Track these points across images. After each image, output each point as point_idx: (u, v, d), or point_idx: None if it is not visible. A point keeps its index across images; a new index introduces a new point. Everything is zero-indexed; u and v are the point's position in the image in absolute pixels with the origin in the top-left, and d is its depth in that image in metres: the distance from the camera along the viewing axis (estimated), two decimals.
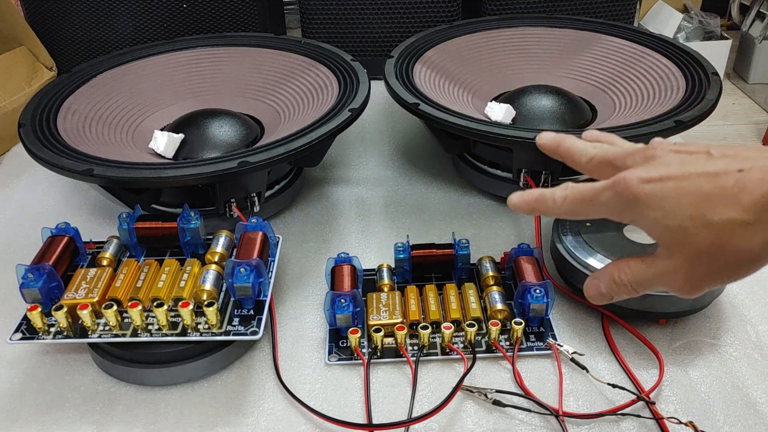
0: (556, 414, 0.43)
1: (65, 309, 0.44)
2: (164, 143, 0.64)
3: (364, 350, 0.48)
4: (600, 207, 0.33)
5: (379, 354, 0.48)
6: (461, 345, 0.48)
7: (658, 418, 0.43)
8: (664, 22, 1.94)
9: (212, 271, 0.48)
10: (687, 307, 0.48)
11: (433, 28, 0.80)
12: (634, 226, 0.33)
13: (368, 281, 0.54)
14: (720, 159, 0.30)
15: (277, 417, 0.44)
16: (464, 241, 0.53)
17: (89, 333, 0.45)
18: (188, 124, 0.67)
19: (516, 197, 0.36)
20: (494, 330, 0.47)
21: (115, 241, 0.53)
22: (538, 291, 0.48)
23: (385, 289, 0.52)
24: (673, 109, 0.61)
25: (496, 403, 0.44)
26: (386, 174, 0.72)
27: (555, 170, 0.61)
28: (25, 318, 0.46)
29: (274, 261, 0.51)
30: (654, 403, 0.44)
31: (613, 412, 0.43)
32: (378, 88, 0.68)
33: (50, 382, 0.47)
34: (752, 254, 0.29)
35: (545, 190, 0.36)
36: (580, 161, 0.36)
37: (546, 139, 0.39)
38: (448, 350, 0.48)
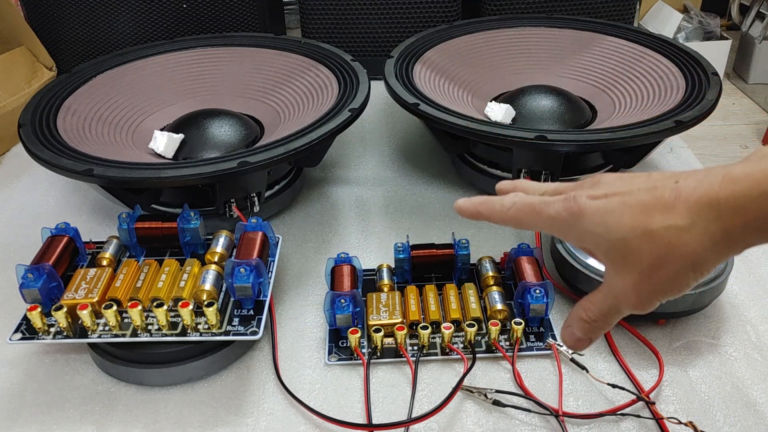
0: (556, 414, 0.43)
1: (65, 309, 0.44)
2: (164, 143, 0.64)
3: (364, 350, 0.48)
4: (547, 220, 0.33)
5: (379, 354, 0.48)
6: (461, 345, 0.48)
7: (658, 418, 0.43)
8: (664, 22, 1.94)
9: (212, 271, 0.48)
10: (687, 307, 0.48)
11: (433, 28, 0.80)
12: (580, 246, 0.33)
13: (368, 281, 0.54)
14: (659, 176, 0.31)
15: (277, 417, 0.44)
16: (464, 241, 0.53)
17: (89, 333, 0.45)
18: (188, 124, 0.67)
19: (462, 200, 0.36)
20: (494, 330, 0.47)
21: (114, 241, 0.53)
22: (537, 291, 0.48)
23: (385, 290, 0.52)
24: (673, 109, 0.61)
25: (496, 403, 0.44)
26: (386, 174, 0.72)
27: (555, 170, 0.61)
28: (25, 318, 0.46)
29: (274, 261, 0.51)
30: (654, 403, 0.44)
31: (613, 412, 0.43)
32: (378, 88, 0.68)
33: (50, 382, 0.47)
34: (694, 257, 0.29)
35: (492, 196, 0.36)
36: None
37: (504, 185, 0.38)
38: (447, 350, 0.48)
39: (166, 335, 0.45)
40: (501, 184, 0.38)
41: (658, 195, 0.30)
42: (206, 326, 0.45)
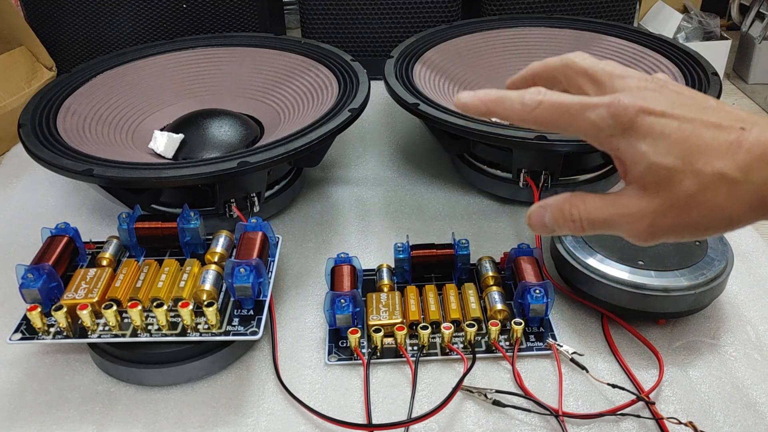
0: (556, 414, 0.43)
1: (65, 309, 0.44)
2: (164, 143, 0.64)
3: (364, 350, 0.48)
4: (585, 123, 0.30)
5: (378, 354, 0.48)
6: (461, 345, 0.48)
7: (657, 419, 0.43)
8: (664, 22, 1.94)
9: (212, 271, 0.48)
10: (687, 307, 0.48)
11: (433, 29, 0.80)
12: (613, 154, 0.30)
13: (368, 281, 0.54)
14: (725, 111, 0.29)
15: (277, 417, 0.44)
16: (464, 241, 0.53)
17: (89, 333, 0.45)
18: (188, 124, 0.67)
19: (466, 94, 0.32)
20: (494, 330, 0.47)
21: (114, 241, 0.53)
22: (537, 291, 0.48)
23: (385, 290, 0.52)
24: None
25: (496, 403, 0.44)
26: (386, 174, 0.72)
27: (555, 170, 0.61)
28: (25, 318, 0.46)
29: (273, 261, 0.51)
30: (654, 404, 0.44)
31: (612, 412, 0.43)
32: (378, 88, 0.68)
33: (50, 382, 0.47)
34: (730, 214, 0.28)
35: (508, 91, 0.31)
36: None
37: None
38: (447, 350, 0.48)
39: (166, 335, 0.45)
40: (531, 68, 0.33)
41: (721, 137, 0.28)
42: (206, 326, 0.45)
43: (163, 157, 0.64)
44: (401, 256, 0.53)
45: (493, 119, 0.60)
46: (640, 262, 0.49)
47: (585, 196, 0.31)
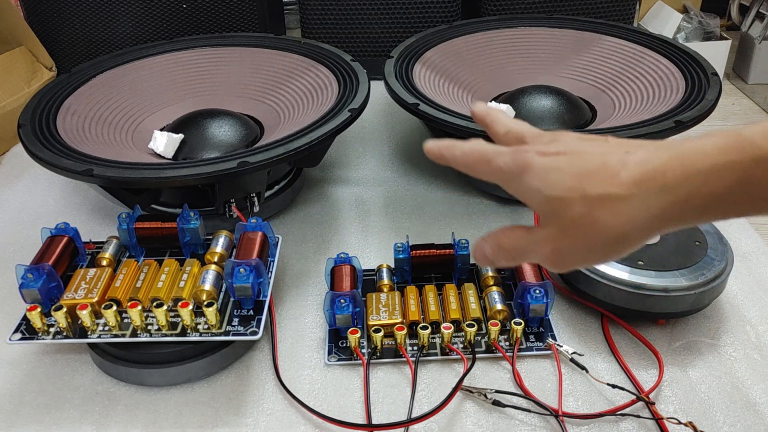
0: (556, 414, 0.43)
1: (65, 309, 0.44)
2: (164, 143, 0.64)
3: (364, 350, 0.48)
4: (495, 170, 0.33)
5: (378, 354, 0.48)
6: (461, 345, 0.48)
7: (657, 419, 0.43)
8: (664, 22, 1.94)
9: (212, 271, 0.48)
10: (687, 307, 0.48)
11: (433, 29, 0.80)
12: (518, 197, 0.33)
13: (368, 281, 0.54)
14: (614, 142, 0.31)
15: (277, 417, 0.44)
16: (464, 241, 0.53)
17: (89, 333, 0.45)
18: (188, 124, 0.67)
19: (431, 143, 0.36)
20: (494, 330, 0.47)
21: (114, 241, 0.53)
22: (537, 291, 0.48)
23: (385, 290, 0.52)
24: (672, 109, 0.61)
25: (496, 403, 0.44)
26: (386, 174, 0.72)
27: None
28: (25, 318, 0.46)
29: (273, 261, 0.51)
30: (654, 404, 0.44)
31: (612, 412, 0.43)
32: (378, 88, 0.68)
33: (50, 382, 0.47)
34: (621, 229, 0.29)
35: (457, 141, 0.36)
36: (498, 131, 0.37)
37: (479, 108, 0.39)
38: (447, 350, 0.48)
39: (165, 335, 0.45)
40: (475, 109, 0.38)
41: (605, 161, 0.30)
42: (206, 326, 0.45)
43: (163, 157, 0.64)
44: (401, 256, 0.53)
45: None
46: (640, 262, 0.49)
47: (515, 228, 0.34)
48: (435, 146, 0.36)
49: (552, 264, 0.33)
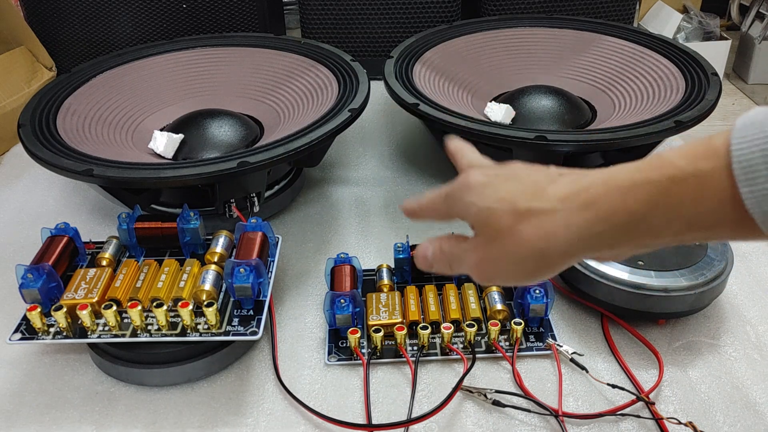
0: (556, 414, 0.43)
1: (65, 309, 0.44)
2: (164, 143, 0.64)
3: (364, 350, 0.48)
4: (450, 200, 0.34)
5: (378, 354, 0.48)
6: (461, 345, 0.48)
7: (657, 419, 0.43)
8: (664, 22, 1.94)
9: (212, 271, 0.48)
10: (687, 307, 0.48)
11: (433, 29, 0.80)
12: (459, 215, 0.34)
13: (368, 281, 0.54)
14: (554, 170, 0.32)
15: (277, 417, 0.44)
16: None
17: (89, 333, 0.45)
18: (188, 124, 0.67)
19: (409, 202, 0.38)
20: (494, 330, 0.47)
21: (114, 241, 0.53)
22: (537, 291, 0.48)
23: (385, 290, 0.52)
24: (673, 109, 0.61)
25: (496, 403, 0.44)
26: (386, 174, 0.72)
27: None
28: (25, 318, 0.46)
29: (273, 261, 0.51)
30: (653, 404, 0.44)
31: (612, 412, 0.43)
32: (378, 88, 0.68)
33: (50, 382, 0.47)
34: (538, 246, 0.30)
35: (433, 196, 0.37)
36: (463, 164, 0.37)
37: (452, 145, 0.39)
38: (447, 350, 0.48)
39: (165, 335, 0.45)
40: (449, 145, 0.39)
41: (537, 180, 0.31)
42: (206, 326, 0.45)
43: (163, 157, 0.64)
44: (401, 256, 0.53)
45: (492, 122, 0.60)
46: (640, 263, 0.49)
47: (457, 235, 0.36)
48: (413, 201, 0.38)
49: (477, 274, 0.34)
